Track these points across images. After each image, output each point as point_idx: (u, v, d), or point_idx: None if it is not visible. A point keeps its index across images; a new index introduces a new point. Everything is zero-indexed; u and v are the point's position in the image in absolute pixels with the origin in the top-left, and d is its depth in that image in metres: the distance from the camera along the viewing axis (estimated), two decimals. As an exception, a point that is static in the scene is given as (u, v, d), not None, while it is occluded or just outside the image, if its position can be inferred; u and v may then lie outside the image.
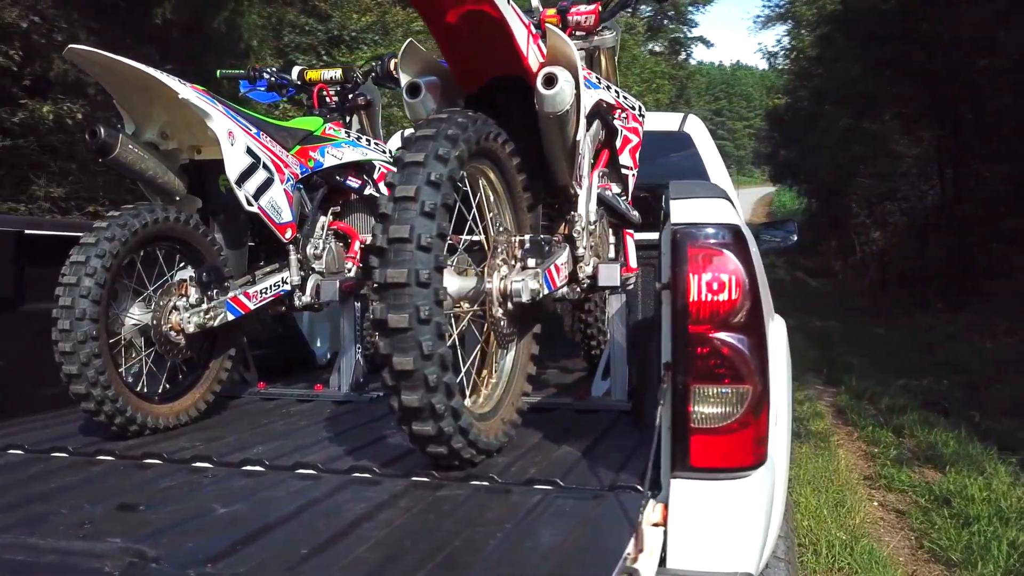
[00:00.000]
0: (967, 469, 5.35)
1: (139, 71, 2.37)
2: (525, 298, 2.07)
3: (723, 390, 1.65)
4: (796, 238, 5.01)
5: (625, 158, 2.94)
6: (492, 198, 2.20)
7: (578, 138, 2.24)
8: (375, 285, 1.72)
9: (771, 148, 31.37)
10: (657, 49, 35.32)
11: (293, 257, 2.84)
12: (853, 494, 5.14)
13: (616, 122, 2.88)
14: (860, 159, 17.31)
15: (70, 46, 2.31)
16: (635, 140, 2.97)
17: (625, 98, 2.93)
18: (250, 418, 2.62)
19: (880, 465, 5.82)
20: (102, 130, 2.40)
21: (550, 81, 2.08)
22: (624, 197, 2.90)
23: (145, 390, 2.47)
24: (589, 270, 2.50)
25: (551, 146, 2.26)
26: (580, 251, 2.44)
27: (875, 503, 5.20)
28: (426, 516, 1.62)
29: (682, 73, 38.93)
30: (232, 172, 2.52)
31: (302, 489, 1.81)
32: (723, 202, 1.71)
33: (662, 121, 4.25)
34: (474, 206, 2.13)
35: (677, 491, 1.65)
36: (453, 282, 2.04)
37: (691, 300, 1.65)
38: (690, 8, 38.57)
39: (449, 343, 1.99)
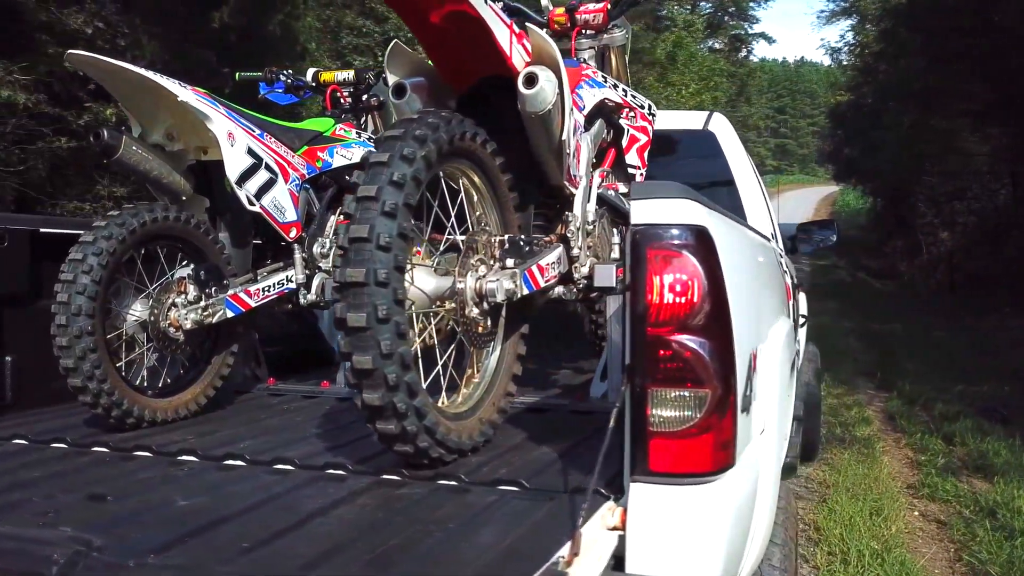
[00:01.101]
0: (1017, 479, 5.12)
1: (139, 75, 2.43)
2: (500, 298, 2.05)
3: (682, 393, 1.62)
4: (836, 238, 5.22)
5: (632, 157, 2.90)
6: (476, 198, 2.20)
7: (564, 137, 2.21)
8: (336, 284, 1.74)
9: (834, 146, 30.59)
10: (716, 46, 34.71)
11: (298, 256, 2.87)
12: (892, 503, 4.97)
13: (623, 121, 2.85)
14: (927, 157, 16.74)
15: (69, 52, 2.37)
16: (643, 139, 2.93)
17: (634, 96, 2.89)
18: (249, 413, 2.66)
19: (925, 474, 5.62)
20: (105, 132, 2.47)
21: (530, 80, 2.06)
22: None
23: (145, 384, 2.55)
24: (585, 271, 2.47)
25: (537, 146, 2.25)
26: (575, 251, 2.41)
27: (916, 513, 5.02)
28: (376, 514, 1.63)
29: (742, 71, 38.19)
30: (232, 172, 2.57)
31: (269, 484, 1.84)
32: (687, 202, 1.67)
33: (685, 120, 4.16)
34: (451, 207, 2.13)
35: (636, 495, 1.63)
36: (429, 281, 2.04)
37: (650, 302, 1.62)
38: (751, 4, 37.87)
39: (420, 342, 2.00)
